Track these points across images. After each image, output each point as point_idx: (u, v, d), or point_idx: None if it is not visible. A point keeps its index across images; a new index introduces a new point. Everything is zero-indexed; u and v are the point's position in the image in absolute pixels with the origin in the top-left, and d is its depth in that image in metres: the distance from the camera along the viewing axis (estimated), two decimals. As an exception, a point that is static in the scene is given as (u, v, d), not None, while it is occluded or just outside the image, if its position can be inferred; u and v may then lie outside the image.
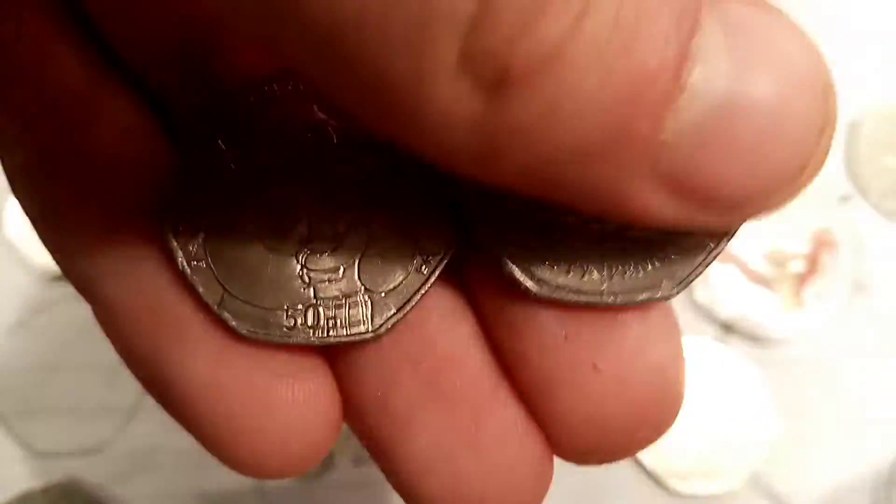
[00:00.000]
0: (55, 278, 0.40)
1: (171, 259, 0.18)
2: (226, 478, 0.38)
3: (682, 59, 0.12)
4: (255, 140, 0.18)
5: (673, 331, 0.18)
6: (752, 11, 0.14)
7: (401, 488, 0.18)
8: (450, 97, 0.11)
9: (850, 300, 0.41)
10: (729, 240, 0.17)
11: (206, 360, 0.17)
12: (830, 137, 0.15)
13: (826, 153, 0.15)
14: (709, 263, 0.17)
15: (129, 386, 0.21)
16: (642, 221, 0.14)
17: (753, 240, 0.41)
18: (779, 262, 0.41)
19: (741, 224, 0.16)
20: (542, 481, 0.18)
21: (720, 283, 0.41)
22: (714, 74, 0.13)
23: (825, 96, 0.14)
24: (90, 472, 0.38)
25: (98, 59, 0.19)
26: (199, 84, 0.19)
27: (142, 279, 0.18)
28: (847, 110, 0.44)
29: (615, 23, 0.11)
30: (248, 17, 0.12)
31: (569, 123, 0.12)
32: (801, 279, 0.41)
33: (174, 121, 0.19)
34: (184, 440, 0.19)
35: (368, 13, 0.11)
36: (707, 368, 0.40)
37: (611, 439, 0.17)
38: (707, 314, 0.41)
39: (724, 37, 0.13)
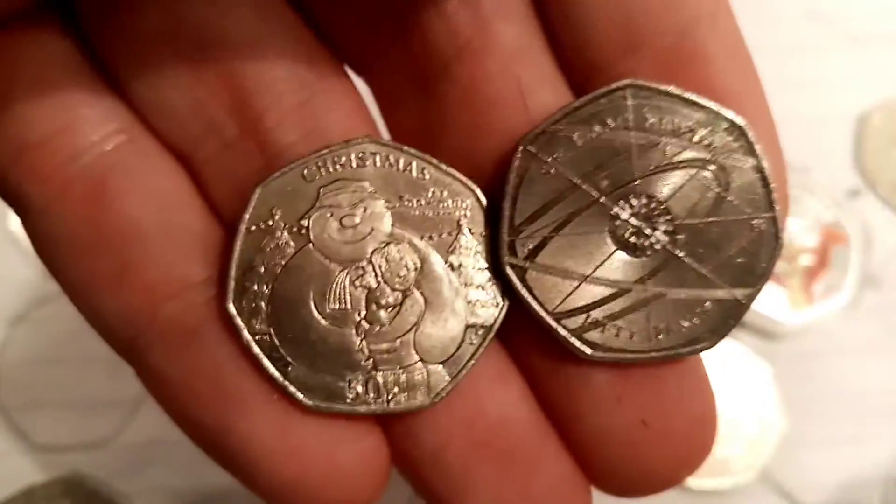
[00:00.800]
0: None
1: (231, 332, 0.19)
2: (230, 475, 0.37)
3: None
4: (312, 218, 0.20)
5: (706, 382, 0.20)
6: None
7: None
8: None
9: (859, 294, 0.40)
10: (756, 296, 0.19)
11: (270, 429, 0.19)
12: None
13: None
14: (740, 318, 0.19)
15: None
16: None
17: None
18: (788, 256, 0.41)
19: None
20: None
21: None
22: None
23: None
24: (93, 467, 0.37)
25: (133, 123, 0.20)
26: (243, 154, 0.20)
27: (200, 352, 0.19)
28: (856, 105, 0.43)
29: None
30: None
31: None
32: (811, 273, 0.41)
33: (208, 189, 0.20)
34: (187, 435, 0.20)
35: None
36: (716, 363, 0.39)
37: (654, 483, 0.19)
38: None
39: None
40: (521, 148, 0.20)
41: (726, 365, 0.39)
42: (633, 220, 0.20)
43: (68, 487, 0.37)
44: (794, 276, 0.40)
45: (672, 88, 0.20)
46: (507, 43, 0.20)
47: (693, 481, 0.38)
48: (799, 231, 0.41)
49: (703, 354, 0.20)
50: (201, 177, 0.20)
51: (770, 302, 0.40)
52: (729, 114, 0.20)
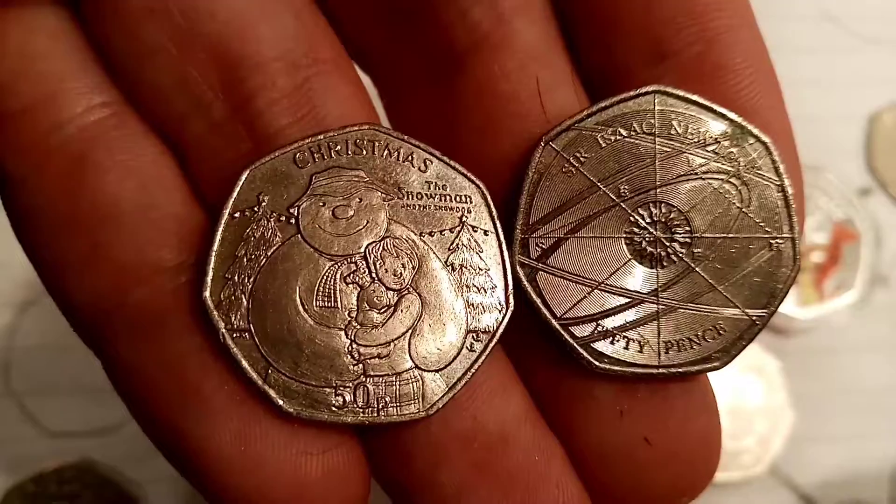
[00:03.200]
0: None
1: (200, 325, 0.17)
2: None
3: None
4: (302, 207, 0.18)
5: (712, 401, 0.19)
6: None
7: None
8: None
9: (869, 291, 0.40)
10: (770, 317, 0.19)
11: (231, 434, 0.17)
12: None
13: None
14: (752, 339, 0.19)
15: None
16: None
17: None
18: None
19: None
20: None
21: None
22: None
23: None
24: (104, 453, 0.37)
25: (122, 102, 0.19)
26: (231, 136, 0.18)
27: (164, 342, 0.17)
28: (867, 105, 0.44)
29: None
30: None
31: None
32: (822, 270, 0.40)
33: (193, 172, 0.19)
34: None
35: None
36: None
37: (659, 501, 0.19)
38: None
39: None
40: (543, 144, 0.19)
41: (737, 360, 0.40)
42: (651, 229, 0.19)
43: (79, 473, 0.37)
44: (806, 272, 0.40)
45: (699, 98, 0.19)
46: (526, 41, 0.19)
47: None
48: (810, 229, 0.41)
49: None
50: (187, 158, 0.19)
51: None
52: (754, 129, 0.19)
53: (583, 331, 0.18)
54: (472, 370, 0.18)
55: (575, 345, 0.18)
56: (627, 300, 0.19)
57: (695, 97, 0.19)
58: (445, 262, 0.18)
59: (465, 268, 0.18)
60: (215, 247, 0.18)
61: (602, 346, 0.18)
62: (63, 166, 0.18)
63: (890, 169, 0.42)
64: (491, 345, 0.18)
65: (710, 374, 0.19)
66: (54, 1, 0.19)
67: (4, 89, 0.18)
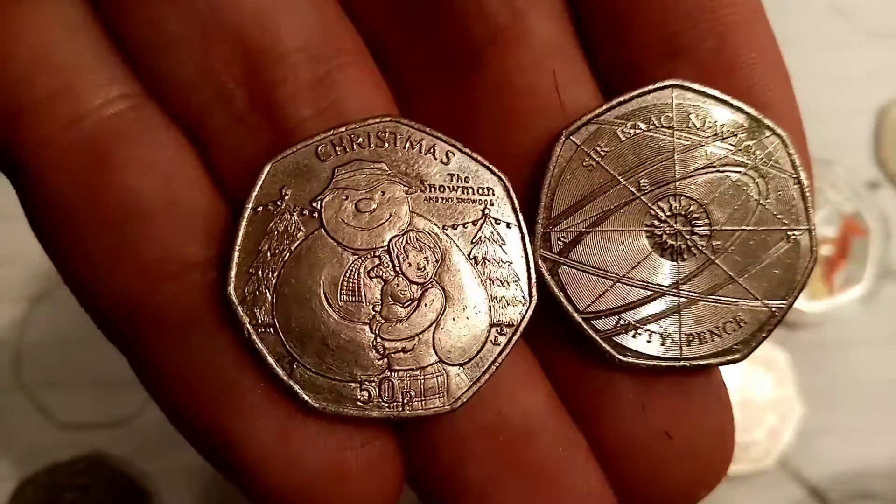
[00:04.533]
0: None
1: (232, 322, 0.17)
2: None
3: None
4: (325, 200, 0.18)
5: (725, 396, 0.19)
6: None
7: None
8: None
9: (878, 285, 0.40)
10: (789, 308, 0.19)
11: (270, 431, 0.17)
12: None
13: None
14: (772, 331, 0.19)
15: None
16: None
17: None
18: None
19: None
20: None
21: (750, 266, 0.41)
22: None
23: None
24: (116, 445, 0.37)
25: (142, 94, 0.19)
26: (253, 128, 0.18)
27: (196, 340, 0.17)
28: (876, 99, 0.44)
29: None
30: None
31: None
32: (831, 264, 0.40)
33: (216, 165, 0.19)
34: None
35: None
36: None
37: (675, 495, 0.19)
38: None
39: None
40: (563, 138, 0.19)
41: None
42: (671, 222, 0.19)
43: (90, 465, 0.37)
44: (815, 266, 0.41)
45: (716, 92, 0.19)
46: (542, 36, 0.19)
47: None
48: (820, 222, 0.41)
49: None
50: (209, 151, 0.19)
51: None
52: (770, 122, 0.19)
53: (605, 324, 0.18)
54: (497, 364, 0.18)
55: (597, 338, 0.18)
56: (649, 293, 0.19)
57: (712, 91, 0.19)
58: (468, 255, 0.18)
59: (489, 261, 0.18)
60: (239, 241, 0.18)
61: (624, 339, 0.18)
62: (83, 161, 0.18)
63: (899, 163, 0.42)
64: (515, 338, 0.18)
65: (721, 368, 0.19)
66: None
67: (21, 81, 0.18)
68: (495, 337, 0.18)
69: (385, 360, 0.18)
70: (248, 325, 0.17)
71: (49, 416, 0.38)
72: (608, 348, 0.18)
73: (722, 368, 0.19)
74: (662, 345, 0.19)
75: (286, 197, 0.18)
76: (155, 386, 0.18)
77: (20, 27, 0.18)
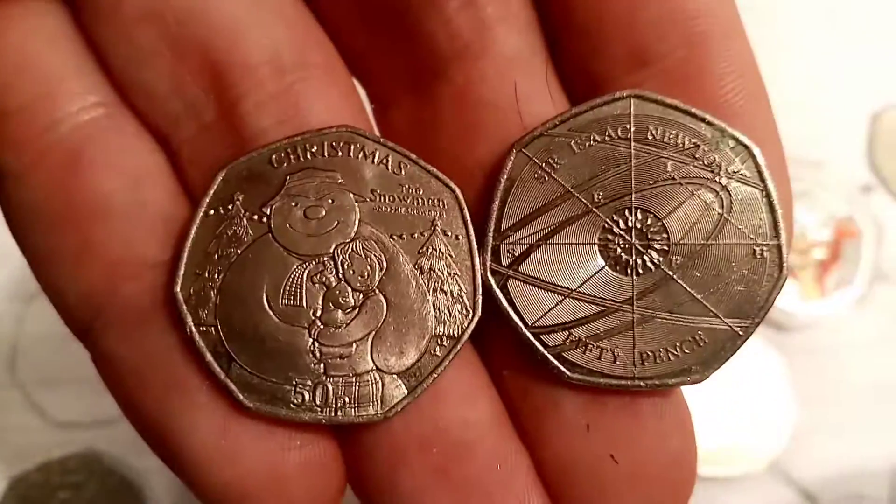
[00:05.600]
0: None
1: (179, 313, 0.18)
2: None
3: None
4: (275, 206, 0.19)
5: (687, 421, 0.18)
6: None
7: None
8: None
9: (870, 288, 0.40)
10: (754, 330, 0.18)
11: (213, 428, 0.18)
12: None
13: None
14: (736, 351, 0.18)
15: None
16: None
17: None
18: (801, 249, 0.40)
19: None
20: None
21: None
22: None
23: None
24: (109, 443, 0.37)
25: (117, 103, 0.19)
26: (220, 137, 0.19)
27: (151, 337, 0.18)
28: (870, 103, 0.44)
29: None
30: None
31: None
32: (823, 266, 0.40)
33: (184, 171, 0.20)
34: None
35: None
36: None
37: None
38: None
39: None
40: (514, 150, 0.18)
41: (738, 356, 0.40)
42: (627, 236, 0.18)
43: (84, 463, 0.37)
44: (807, 268, 0.40)
45: (678, 102, 0.18)
46: (507, 48, 0.19)
47: (703, 469, 0.38)
48: (812, 225, 0.40)
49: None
50: (179, 158, 0.20)
51: (783, 294, 0.40)
52: (736, 133, 0.18)
53: (554, 340, 0.18)
54: (435, 375, 0.18)
55: (546, 353, 0.18)
56: (601, 309, 0.18)
57: (673, 101, 0.18)
58: (414, 265, 0.18)
59: (434, 271, 0.18)
60: (189, 243, 0.18)
61: (574, 355, 0.18)
62: (57, 162, 0.19)
63: (892, 166, 0.42)
64: (455, 349, 0.18)
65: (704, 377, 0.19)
66: (53, 3, 0.19)
67: (3, 87, 0.19)
68: (435, 348, 0.18)
69: (321, 364, 0.18)
70: (190, 324, 0.18)
71: (42, 415, 0.38)
72: (557, 364, 0.18)
73: (714, 373, 0.19)
74: (614, 362, 0.18)
75: (238, 202, 0.19)
76: (112, 379, 0.19)
77: (3, 37, 0.19)
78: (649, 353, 0.18)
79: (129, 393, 0.19)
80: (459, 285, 0.18)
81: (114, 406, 0.42)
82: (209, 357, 0.18)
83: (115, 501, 0.37)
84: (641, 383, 0.18)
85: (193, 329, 0.18)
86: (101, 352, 0.19)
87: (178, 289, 0.18)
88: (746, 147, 0.18)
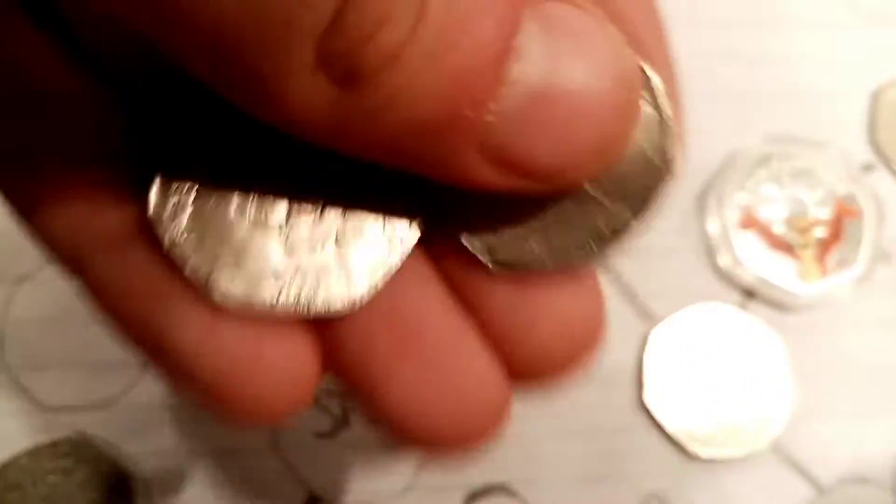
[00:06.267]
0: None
1: (156, 232, 0.18)
2: (239, 434, 0.37)
3: (502, 57, 0.15)
4: (239, 125, 0.19)
5: (597, 288, 0.21)
6: (570, 12, 0.16)
7: (386, 431, 0.20)
8: (308, 89, 0.14)
9: (871, 268, 0.39)
10: (645, 216, 0.19)
11: (197, 328, 0.19)
12: (632, 123, 0.17)
13: (627, 136, 0.17)
14: (633, 236, 0.19)
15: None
16: (476, 186, 0.17)
17: (775, 206, 0.40)
18: (801, 228, 0.40)
19: (567, 188, 0.18)
20: (506, 407, 0.21)
21: (742, 248, 0.39)
22: (530, 69, 0.15)
23: (629, 87, 0.16)
24: (100, 428, 0.36)
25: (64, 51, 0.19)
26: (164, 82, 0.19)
27: (134, 258, 0.19)
28: (871, 80, 0.44)
29: (443, 29, 0.14)
30: (136, 18, 0.14)
31: (406, 111, 0.15)
32: (824, 245, 0.39)
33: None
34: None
35: (243, 24, 0.13)
36: (728, 334, 0.39)
37: (554, 371, 0.21)
38: (728, 280, 0.40)
39: (542, 36, 0.15)
40: None
41: (738, 336, 0.39)
42: None
43: (73, 448, 0.36)
44: (808, 248, 0.40)
45: None
46: None
47: (704, 450, 0.37)
48: (813, 203, 0.40)
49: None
50: None
51: (783, 273, 0.39)
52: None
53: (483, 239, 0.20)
54: (393, 268, 0.19)
55: (477, 251, 0.20)
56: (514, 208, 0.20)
57: None
58: None
59: None
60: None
61: (497, 248, 0.20)
62: None
63: (893, 145, 0.42)
64: (409, 246, 0.19)
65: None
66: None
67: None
68: (393, 246, 0.20)
69: (293, 264, 0.19)
70: (168, 234, 0.19)
71: (32, 398, 0.38)
72: (482, 257, 0.20)
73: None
74: (528, 249, 0.20)
75: None
76: (101, 301, 0.20)
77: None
78: (557, 238, 0.20)
79: (118, 306, 0.19)
80: (413, 195, 0.20)
81: (104, 390, 0.42)
82: (188, 264, 0.19)
83: (106, 485, 0.37)
84: (551, 264, 0.20)
85: (172, 239, 0.19)
86: (88, 278, 0.19)
87: (150, 213, 0.19)
88: (648, 76, 0.19)
